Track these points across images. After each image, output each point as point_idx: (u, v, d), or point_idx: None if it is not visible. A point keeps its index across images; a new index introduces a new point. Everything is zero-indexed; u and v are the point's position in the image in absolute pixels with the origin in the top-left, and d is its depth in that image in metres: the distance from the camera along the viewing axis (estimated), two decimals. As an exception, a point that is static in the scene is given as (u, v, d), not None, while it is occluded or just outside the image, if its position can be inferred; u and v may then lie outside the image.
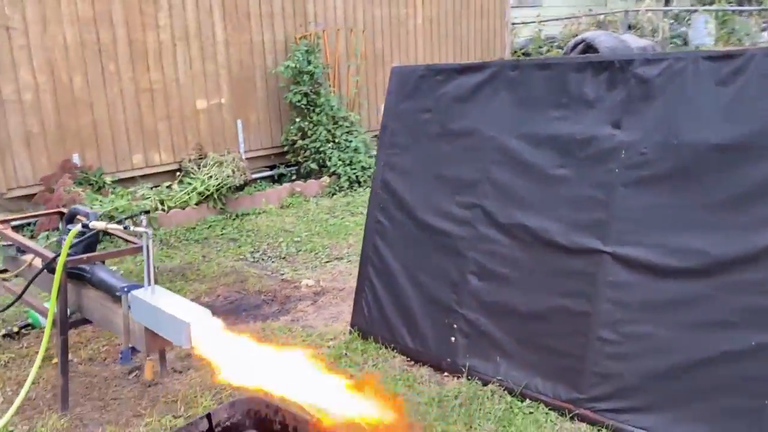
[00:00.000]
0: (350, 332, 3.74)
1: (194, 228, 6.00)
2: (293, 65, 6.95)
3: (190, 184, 6.21)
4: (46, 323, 3.07)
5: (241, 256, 5.35)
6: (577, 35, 9.38)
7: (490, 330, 3.16)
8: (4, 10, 5.63)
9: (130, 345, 2.85)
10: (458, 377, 3.20)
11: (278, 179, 7.43)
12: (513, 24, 12.30)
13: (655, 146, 2.70)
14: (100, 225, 2.81)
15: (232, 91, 7.17)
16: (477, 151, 3.27)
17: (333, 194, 6.96)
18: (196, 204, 6.17)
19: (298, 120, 7.16)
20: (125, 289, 2.78)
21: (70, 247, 3.02)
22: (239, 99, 7.24)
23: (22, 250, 3.56)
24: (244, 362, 2.40)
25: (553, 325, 2.93)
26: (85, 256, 3.12)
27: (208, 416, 2.70)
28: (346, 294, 4.39)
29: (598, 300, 2.79)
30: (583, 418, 2.79)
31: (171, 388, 3.33)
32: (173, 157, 6.80)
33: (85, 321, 3.26)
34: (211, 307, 4.30)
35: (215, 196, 6.22)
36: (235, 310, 4.33)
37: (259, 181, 7.27)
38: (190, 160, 6.70)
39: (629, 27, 14.44)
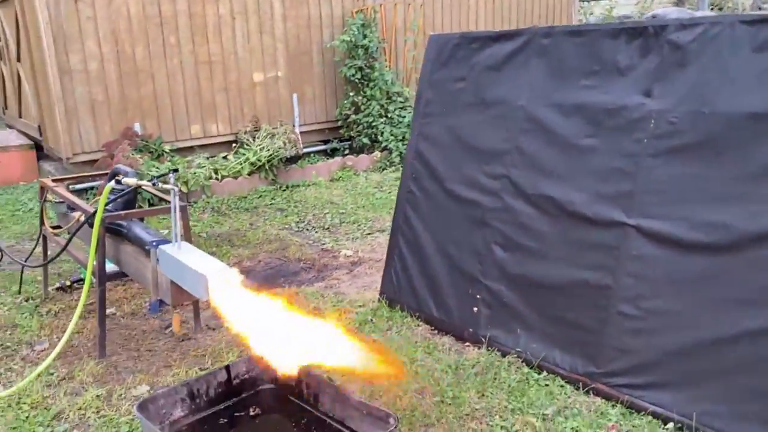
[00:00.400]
0: (378, 300, 3.79)
1: (245, 197, 6.18)
2: (348, 39, 7.00)
3: (243, 154, 6.38)
4: (86, 274, 3.26)
5: (287, 226, 5.48)
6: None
7: (511, 301, 3.13)
8: (72, -17, 5.92)
9: (158, 298, 2.99)
10: (479, 347, 3.20)
11: (331, 153, 7.52)
12: (583, 1, 11.89)
13: (685, 115, 2.59)
14: (131, 181, 2.95)
15: (289, 64, 7.29)
16: (507, 121, 3.23)
17: (383, 169, 7.00)
18: (248, 174, 6.34)
19: (352, 94, 7.22)
20: (154, 244, 2.91)
21: (108, 204, 3.19)
22: (295, 73, 7.35)
23: (72, 207, 3.77)
24: (258, 317, 2.46)
25: (574, 298, 2.88)
26: (123, 212, 3.30)
27: (227, 368, 2.81)
28: (382, 265, 4.40)
29: (620, 274, 2.71)
30: (598, 392, 2.74)
31: (202, 343, 3.47)
32: (230, 128, 6.99)
33: (123, 274, 3.43)
34: (251, 272, 4.48)
35: (266, 167, 6.38)
36: (273, 276, 4.45)
37: (312, 154, 7.38)
38: (245, 132, 6.87)
39: (709, 4, 13.69)
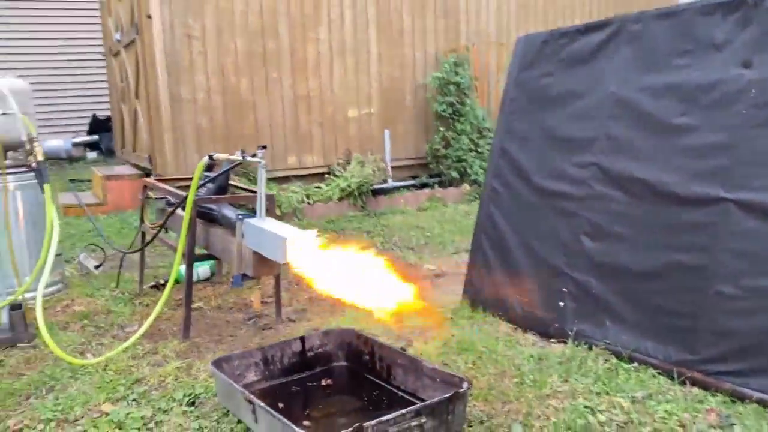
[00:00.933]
0: (460, 302, 3.69)
1: (334, 220, 6.29)
2: (441, 76, 7.15)
3: (334, 181, 6.54)
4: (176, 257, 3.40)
5: (372, 245, 5.50)
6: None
7: (600, 292, 2.96)
8: (188, 20, 6.44)
9: (241, 271, 3.06)
10: (564, 342, 3.03)
11: (420, 188, 7.56)
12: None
13: (789, 81, 2.44)
14: (222, 156, 3.09)
15: (382, 102, 7.51)
16: (595, 109, 3.15)
17: (472, 201, 6.95)
18: (339, 200, 6.48)
19: (442, 129, 7.31)
20: (240, 217, 3.01)
21: (201, 187, 3.35)
22: (388, 110, 7.55)
23: (170, 203, 3.97)
24: (336, 271, 2.46)
25: (667, 283, 2.69)
26: (213, 196, 3.44)
27: (302, 339, 2.81)
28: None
29: (718, 252, 2.52)
30: (695, 382, 2.51)
31: (282, 332, 3.49)
32: (323, 160, 7.22)
33: (210, 256, 3.55)
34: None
35: (356, 193, 6.49)
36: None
37: (401, 188, 7.46)
38: (338, 164, 7.07)
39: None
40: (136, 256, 4.43)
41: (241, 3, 6.68)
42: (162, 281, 4.44)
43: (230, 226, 3.22)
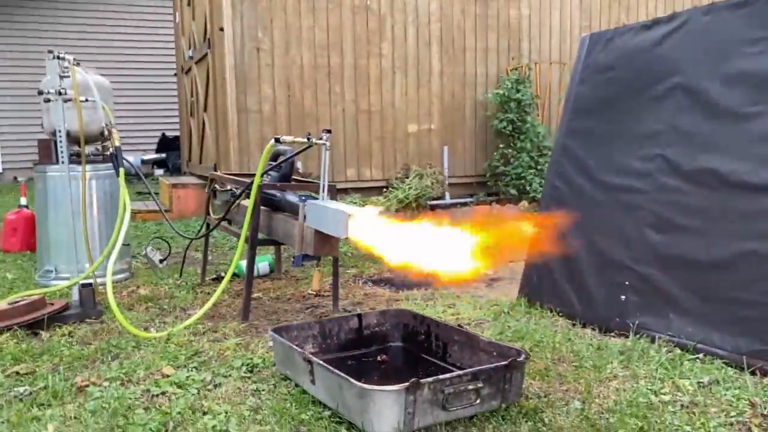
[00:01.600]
0: (517, 298, 3.66)
1: (390, 230, 6.35)
2: (502, 92, 7.19)
3: (393, 192, 6.62)
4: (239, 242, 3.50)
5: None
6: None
7: (664, 285, 2.90)
8: (257, 34, 6.71)
9: (303, 252, 3.13)
10: (625, 336, 2.96)
11: (478, 205, 7.56)
12: None
13: None
14: (288, 138, 3.19)
15: (442, 118, 7.59)
16: (662, 101, 3.12)
17: (530, 218, 6.89)
18: (396, 211, 6.54)
19: (502, 146, 7.31)
20: (303, 199, 3.09)
21: (266, 173, 3.46)
22: (448, 126, 7.62)
23: (235, 194, 4.09)
24: (397, 241, 2.47)
25: (738, 273, 2.61)
26: (278, 183, 3.55)
27: (359, 316, 2.84)
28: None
29: (792, 238, 2.44)
30: (766, 373, 2.41)
31: (338, 320, 3.53)
32: (382, 174, 7.32)
33: (273, 242, 3.64)
34: (390, 281, 4.53)
35: (413, 205, 6.54)
36: (408, 284, 4.44)
37: (458, 205, 7.47)
38: (396, 178, 7.16)
39: None
40: (200, 253, 4.57)
41: (308, 18, 6.92)
42: (223, 274, 4.56)
43: (293, 210, 3.31)
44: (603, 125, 3.43)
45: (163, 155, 12.64)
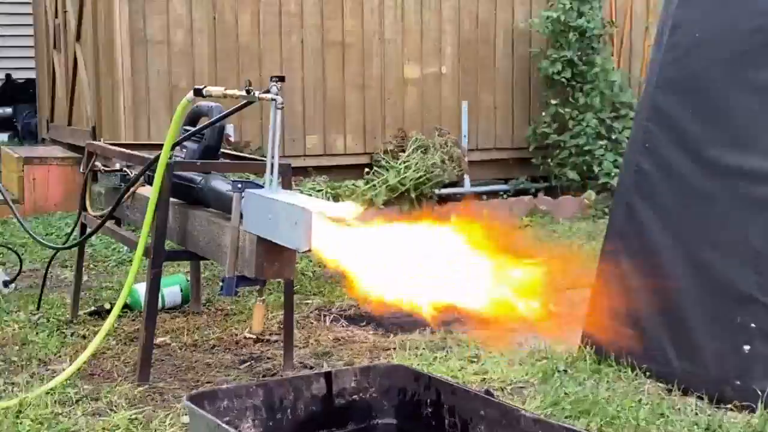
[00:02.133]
0: (579, 347, 3.69)
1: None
2: (555, 16, 7.21)
3: (380, 174, 6.62)
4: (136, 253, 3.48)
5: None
6: None
7: (812, 329, 2.93)
8: None
9: (235, 273, 3.11)
10: (751, 410, 3.00)
11: (515, 197, 7.58)
12: None
13: None
14: (214, 90, 3.18)
15: (460, 56, 7.61)
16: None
17: (599, 218, 6.92)
18: (384, 205, 6.53)
19: (554, 103, 7.34)
20: (239, 186, 3.06)
21: (177, 147, 3.45)
22: (468, 70, 7.65)
23: (127, 178, 4.04)
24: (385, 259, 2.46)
25: None
26: (199, 161, 3.53)
27: (327, 376, 2.84)
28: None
29: None
30: None
31: (293, 382, 3.53)
32: (363, 145, 7.34)
33: (189, 254, 3.63)
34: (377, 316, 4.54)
35: (412, 196, 6.54)
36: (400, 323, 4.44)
37: (484, 196, 7.47)
38: (386, 151, 7.13)
39: None
40: (70, 271, 4.56)
41: None
42: (107, 305, 4.54)
43: (222, 205, 3.29)
44: (720, 73, 3.46)
45: (8, 110, 12.55)
